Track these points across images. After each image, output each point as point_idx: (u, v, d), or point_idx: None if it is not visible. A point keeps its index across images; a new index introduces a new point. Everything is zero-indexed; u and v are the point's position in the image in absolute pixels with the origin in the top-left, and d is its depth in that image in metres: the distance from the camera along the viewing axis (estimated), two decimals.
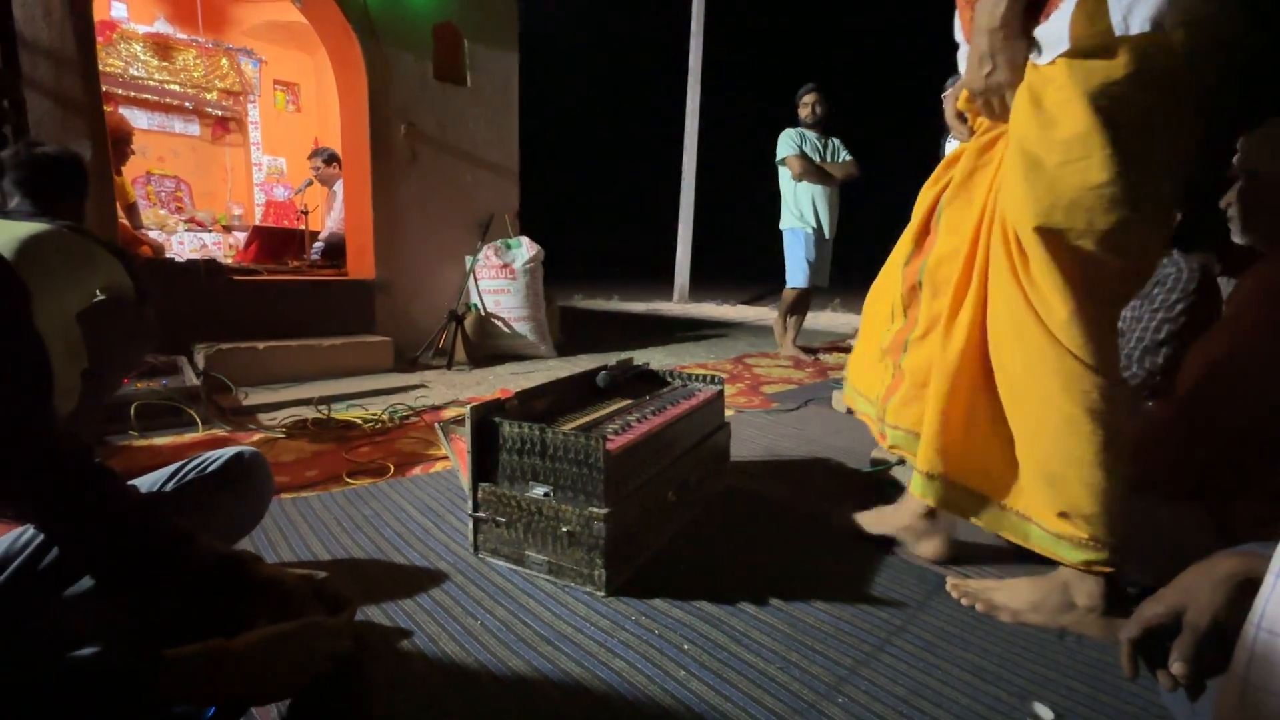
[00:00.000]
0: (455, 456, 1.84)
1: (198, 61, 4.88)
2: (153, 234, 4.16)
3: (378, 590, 1.12)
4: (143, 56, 4.64)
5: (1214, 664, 0.60)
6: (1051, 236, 0.90)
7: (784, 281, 3.97)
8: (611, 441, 1.17)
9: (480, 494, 1.23)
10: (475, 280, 3.71)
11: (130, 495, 0.82)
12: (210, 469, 0.99)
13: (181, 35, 4.80)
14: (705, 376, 1.72)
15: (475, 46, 3.84)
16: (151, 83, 4.72)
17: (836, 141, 3.85)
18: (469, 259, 3.74)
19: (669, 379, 1.78)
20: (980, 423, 1.05)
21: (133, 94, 4.66)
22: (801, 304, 4.06)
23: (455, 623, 1.04)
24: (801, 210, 3.80)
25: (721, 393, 1.66)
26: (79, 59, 2.57)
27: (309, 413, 2.30)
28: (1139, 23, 0.80)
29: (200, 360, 2.64)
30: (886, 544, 1.34)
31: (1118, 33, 0.81)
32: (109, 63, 4.40)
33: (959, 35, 1.12)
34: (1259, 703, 0.53)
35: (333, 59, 3.72)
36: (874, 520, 1.36)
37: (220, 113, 5.15)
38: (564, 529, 1.15)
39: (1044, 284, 0.92)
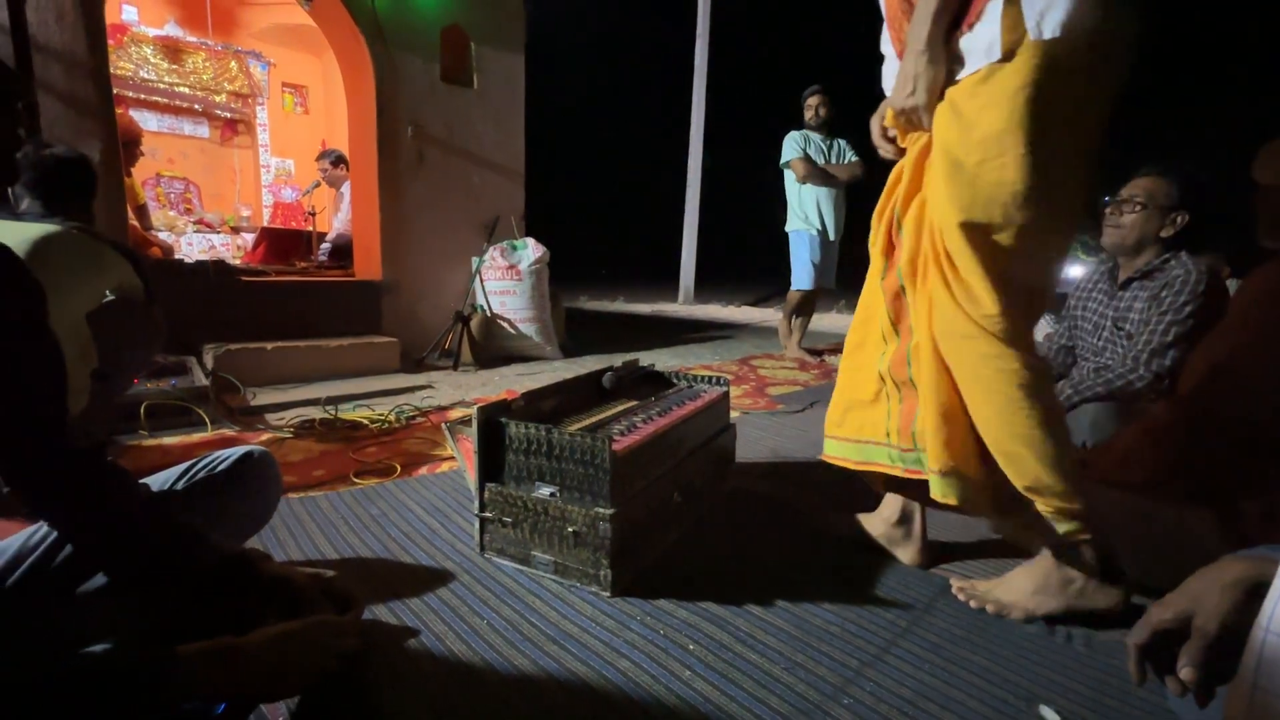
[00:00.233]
0: (462, 457, 1.85)
1: (207, 64, 4.92)
2: (162, 235, 4.20)
3: (385, 589, 1.13)
4: (153, 59, 4.69)
5: (1223, 669, 0.60)
6: (974, 232, 0.96)
7: (789, 283, 3.97)
8: (617, 442, 1.17)
9: (486, 494, 1.24)
10: (481, 281, 3.72)
11: (142, 493, 0.83)
12: (220, 468, 1.00)
13: (191, 38, 4.84)
14: (710, 378, 1.72)
15: (482, 49, 3.86)
16: (161, 85, 4.76)
17: (843, 143, 3.85)
18: (475, 260, 3.75)
19: (674, 380, 1.78)
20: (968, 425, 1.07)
21: (143, 96, 4.70)
22: (807, 306, 4.06)
23: (462, 622, 1.04)
24: (806, 212, 3.80)
25: (727, 394, 1.66)
26: (91, 62, 2.60)
27: (316, 413, 2.31)
28: (1051, 28, 0.86)
29: (209, 360, 2.66)
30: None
31: (1031, 37, 0.87)
32: (120, 65, 4.44)
33: (886, 48, 1.14)
34: (1267, 706, 0.53)
35: (341, 62, 3.74)
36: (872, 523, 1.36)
37: (229, 115, 5.19)
38: (570, 529, 1.15)
39: (971, 279, 0.97)
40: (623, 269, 13.71)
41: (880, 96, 1.19)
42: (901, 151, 1.19)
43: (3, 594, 0.78)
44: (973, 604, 1.12)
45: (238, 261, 4.16)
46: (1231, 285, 1.93)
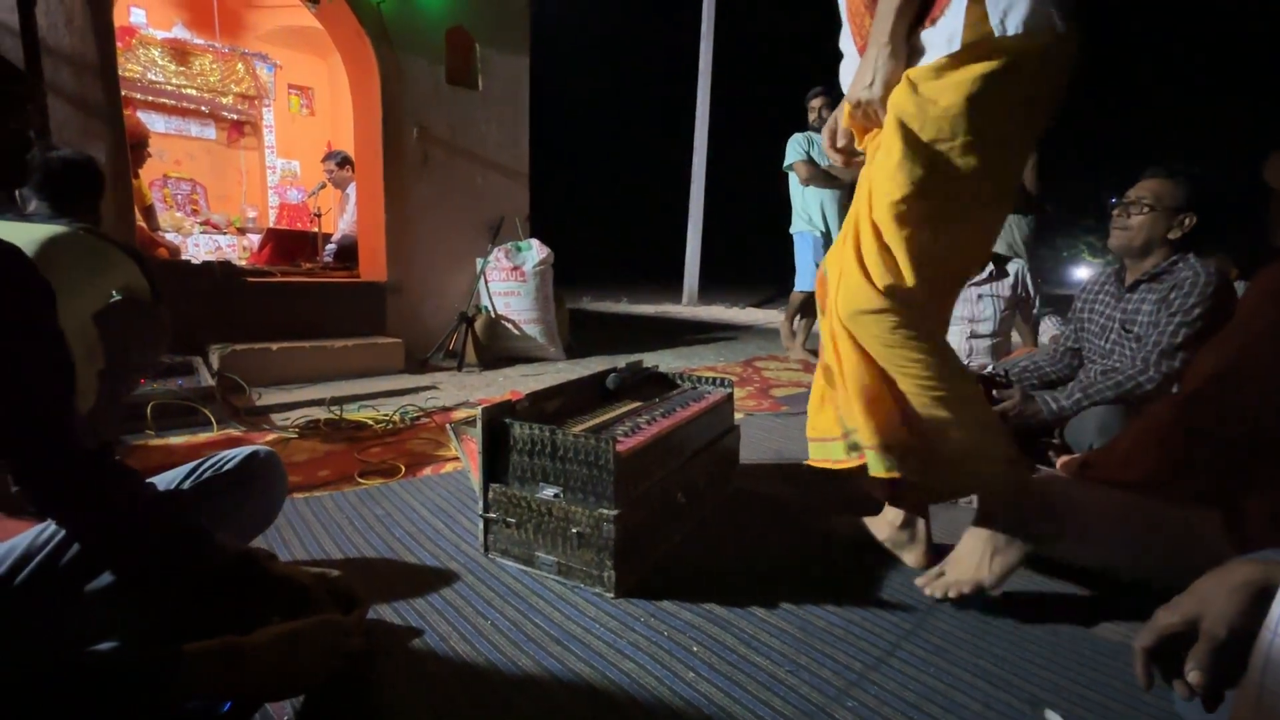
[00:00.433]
0: (466, 457, 1.85)
1: (214, 66, 4.95)
2: (169, 236, 4.22)
3: (389, 589, 1.13)
4: (160, 61, 4.72)
5: (1231, 673, 0.59)
6: (913, 206, 0.96)
7: (793, 285, 3.97)
8: (621, 443, 1.17)
9: (491, 495, 1.24)
10: (486, 282, 3.73)
11: (149, 493, 0.83)
12: (226, 468, 1.00)
13: (199, 40, 4.87)
14: (714, 379, 1.72)
15: (487, 51, 3.87)
16: (169, 87, 4.79)
17: None
18: (479, 261, 3.76)
19: (678, 381, 1.78)
20: (893, 403, 1.09)
21: (150, 98, 4.73)
22: (810, 307, 4.06)
23: (466, 622, 1.04)
24: (810, 214, 3.80)
25: (731, 395, 1.66)
26: (99, 64, 2.62)
27: (321, 413, 2.32)
28: (1014, 25, 0.89)
29: (215, 361, 2.67)
30: None
31: (996, 35, 0.90)
32: (128, 68, 4.47)
33: (846, 45, 1.15)
34: (1275, 709, 0.53)
35: (346, 63, 3.76)
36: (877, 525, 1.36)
37: (235, 116, 5.22)
38: (574, 530, 1.15)
39: (897, 252, 0.98)
40: (627, 270, 13.72)
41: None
42: (850, 159, 1.21)
43: (11, 592, 0.79)
44: (938, 595, 1.11)
45: (244, 262, 4.18)
46: (1240, 287, 1.92)
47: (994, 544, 1.09)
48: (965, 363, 2.28)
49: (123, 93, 2.82)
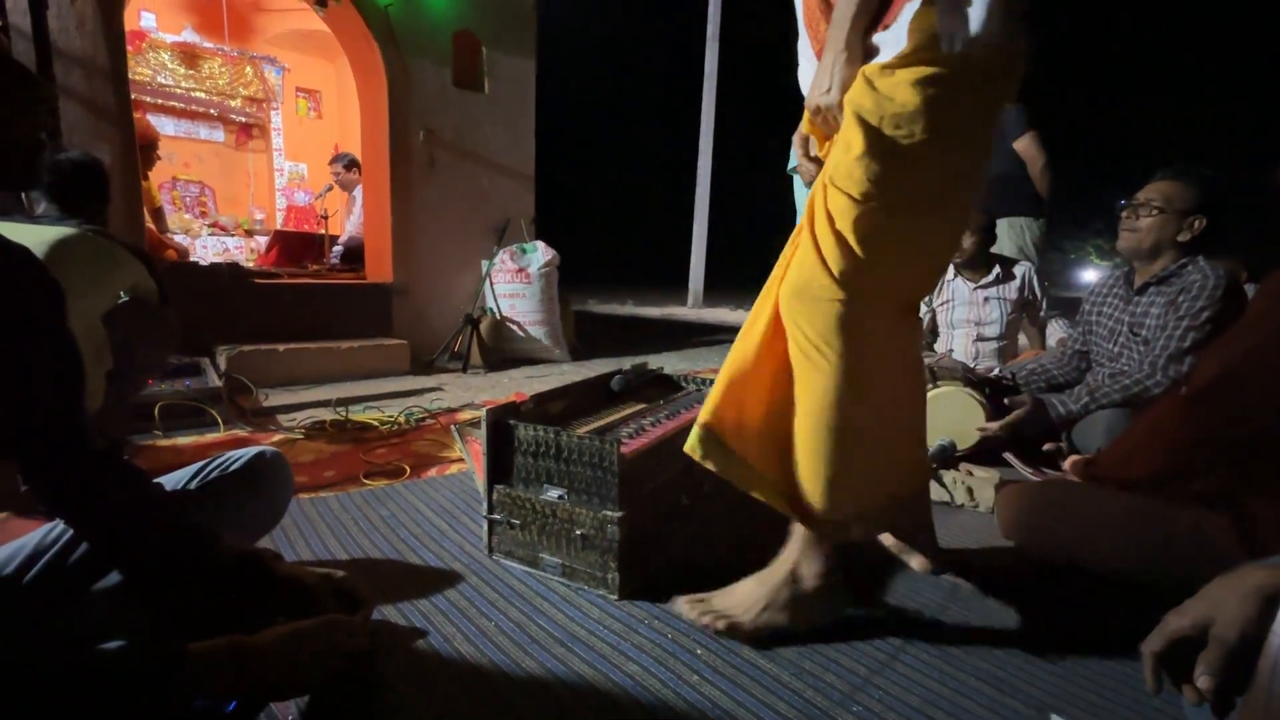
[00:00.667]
0: (471, 459, 1.86)
1: (223, 69, 4.99)
2: (178, 238, 4.25)
3: (394, 590, 1.13)
4: (170, 65, 4.76)
5: (1241, 679, 0.59)
6: (874, 203, 0.93)
7: None
8: (626, 445, 1.17)
9: (495, 496, 1.24)
10: (491, 284, 3.74)
11: (156, 492, 0.84)
12: (233, 468, 1.01)
13: (208, 44, 4.91)
14: None
15: (493, 54, 3.89)
16: (178, 90, 4.83)
17: None
18: (485, 263, 3.77)
19: (683, 383, 1.78)
20: (765, 400, 1.04)
21: (160, 101, 4.77)
22: None
23: (470, 623, 1.04)
24: None
25: None
26: (110, 67, 2.65)
27: (327, 414, 2.33)
28: (962, 37, 0.88)
29: (222, 362, 2.69)
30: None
31: (943, 47, 0.89)
32: (138, 71, 4.51)
33: (803, 51, 1.14)
34: None
35: (354, 66, 3.78)
36: None
37: (244, 119, 5.26)
38: (578, 532, 1.15)
39: (855, 247, 0.94)
40: (631, 272, 13.73)
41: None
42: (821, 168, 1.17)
43: (19, 590, 0.79)
44: (687, 615, 1.06)
45: (251, 264, 4.21)
46: (1250, 290, 1.91)
47: (773, 598, 1.03)
48: (971, 365, 2.27)
49: (133, 96, 2.85)
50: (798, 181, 3.81)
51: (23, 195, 1.68)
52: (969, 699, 0.90)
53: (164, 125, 4.79)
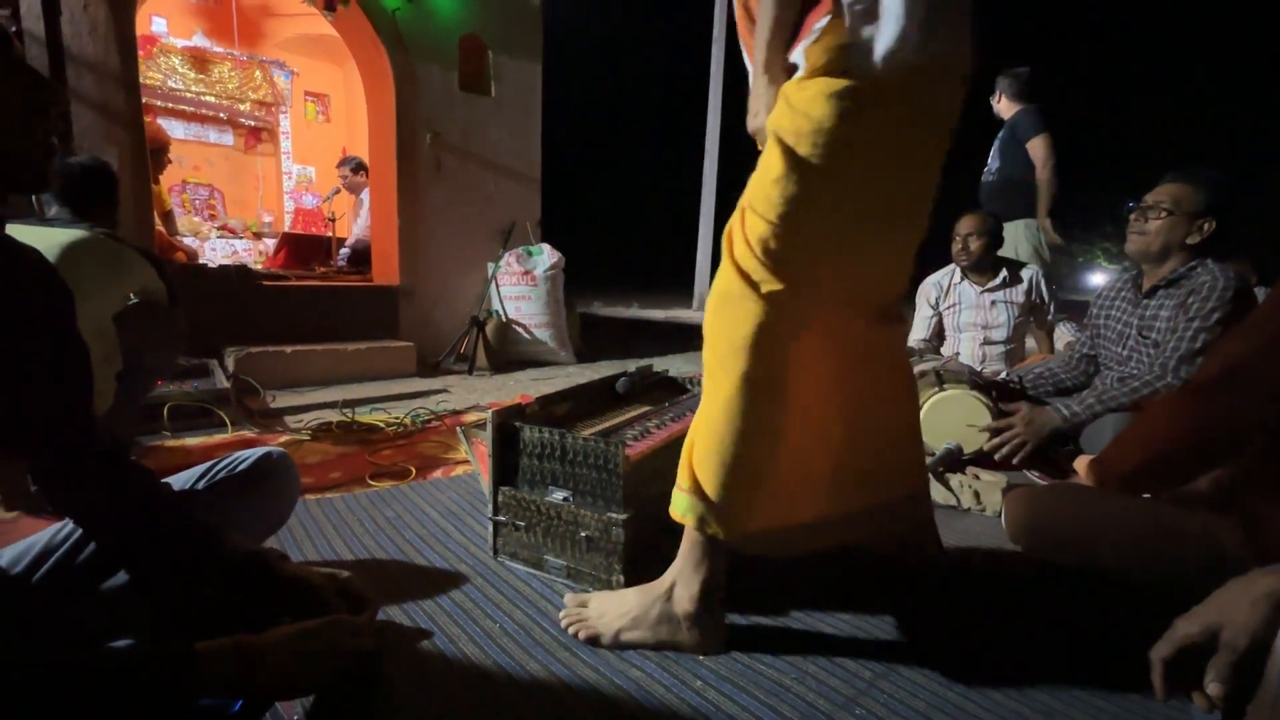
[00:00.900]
0: (476, 460, 1.86)
1: (232, 74, 5.03)
2: (187, 240, 4.29)
3: (399, 591, 1.14)
4: (181, 69, 4.80)
5: (1251, 685, 0.58)
6: (791, 225, 0.90)
7: None
8: (631, 448, 1.17)
9: (500, 498, 1.24)
10: (497, 286, 3.75)
11: (164, 493, 0.84)
12: (240, 468, 1.01)
13: (218, 49, 4.95)
14: None
15: (500, 57, 3.91)
16: (188, 94, 4.88)
17: None
18: (491, 265, 3.78)
19: (688, 386, 1.78)
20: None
21: (170, 105, 4.82)
22: None
23: (475, 625, 1.05)
24: None
25: None
26: (122, 72, 2.68)
27: (334, 415, 2.34)
28: (873, 63, 0.86)
29: (230, 363, 2.71)
30: None
31: (853, 55, 0.87)
32: (149, 75, 4.56)
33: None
34: None
35: (362, 71, 3.81)
36: None
37: (253, 123, 5.30)
38: (583, 534, 1.15)
39: (772, 261, 0.91)
40: (637, 274, 13.74)
41: None
42: None
43: (29, 589, 0.80)
44: (570, 627, 1.03)
45: (259, 266, 4.24)
46: (1260, 293, 1.89)
47: (644, 613, 0.99)
48: (978, 369, 2.26)
49: (143, 100, 2.88)
50: None
51: (34, 198, 1.70)
52: (974, 704, 0.90)
53: (174, 129, 4.83)
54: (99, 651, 0.69)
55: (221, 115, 5.11)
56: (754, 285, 0.92)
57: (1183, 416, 1.05)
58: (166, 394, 2.13)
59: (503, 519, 1.25)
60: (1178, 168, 1.67)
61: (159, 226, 3.50)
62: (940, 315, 2.68)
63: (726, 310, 0.94)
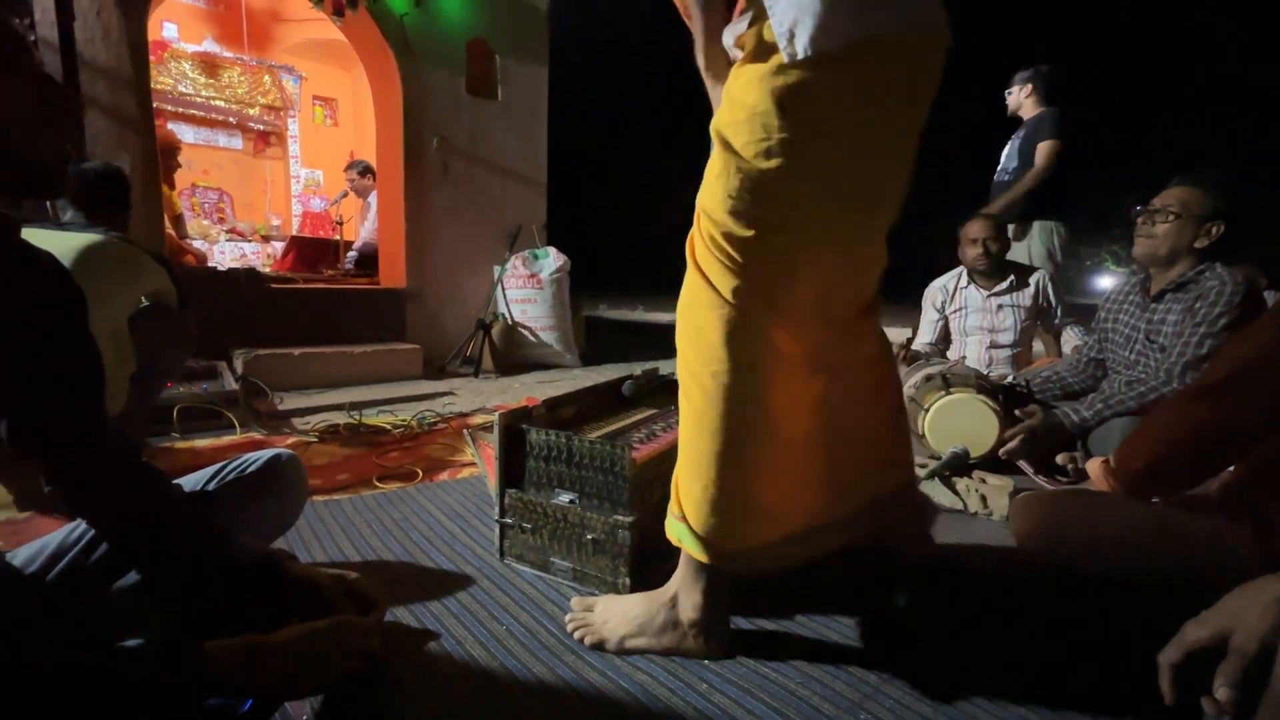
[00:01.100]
0: (483, 463, 1.87)
1: (242, 78, 5.08)
2: (196, 243, 4.32)
3: (406, 592, 1.14)
4: (191, 74, 4.85)
5: (1260, 691, 0.58)
6: (740, 221, 0.87)
7: None
8: (637, 450, 1.17)
9: (507, 500, 1.25)
10: (503, 289, 3.76)
11: (175, 494, 0.85)
12: (250, 470, 1.02)
13: (227, 54, 5.00)
14: None
15: (506, 61, 3.93)
16: (198, 99, 4.93)
17: None
18: (497, 269, 3.80)
19: None
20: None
21: (181, 109, 4.87)
22: None
23: (481, 627, 1.05)
24: None
25: None
26: (134, 77, 2.71)
27: (341, 418, 2.35)
28: (801, 49, 0.80)
29: (239, 365, 2.73)
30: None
31: (783, 55, 0.81)
32: (159, 80, 4.61)
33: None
34: None
35: (370, 75, 3.84)
36: None
37: (262, 127, 5.35)
38: (589, 536, 1.15)
39: (730, 262, 0.88)
40: (643, 278, 13.75)
41: None
42: None
43: (42, 588, 0.81)
44: (576, 632, 1.02)
45: (268, 269, 4.27)
46: (1270, 296, 1.88)
47: (648, 620, 0.99)
48: (985, 373, 2.25)
49: (154, 104, 2.91)
50: None
51: (48, 203, 1.73)
52: (981, 709, 0.89)
53: (184, 133, 4.88)
54: (110, 651, 0.70)
55: (231, 119, 5.16)
56: (717, 289, 0.89)
57: (1189, 418, 1.04)
58: (176, 396, 2.15)
59: (509, 521, 1.25)
60: (1186, 170, 1.67)
61: (169, 229, 3.53)
62: (946, 319, 2.67)
63: (694, 318, 0.92)
